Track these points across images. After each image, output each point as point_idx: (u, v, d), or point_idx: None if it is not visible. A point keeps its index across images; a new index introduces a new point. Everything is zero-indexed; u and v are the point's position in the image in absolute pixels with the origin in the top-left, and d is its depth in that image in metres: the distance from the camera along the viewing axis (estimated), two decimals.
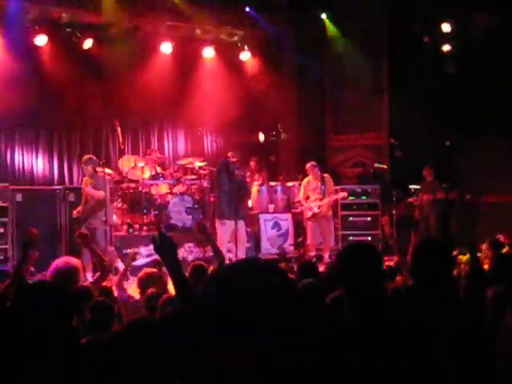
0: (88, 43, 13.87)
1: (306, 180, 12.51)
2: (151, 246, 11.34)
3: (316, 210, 12.14)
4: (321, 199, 12.16)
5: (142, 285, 6.08)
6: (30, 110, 13.94)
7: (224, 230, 10.80)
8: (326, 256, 11.76)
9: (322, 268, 7.60)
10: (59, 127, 14.94)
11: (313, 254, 12.03)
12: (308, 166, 12.41)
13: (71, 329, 3.36)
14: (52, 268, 5.61)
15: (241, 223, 11.00)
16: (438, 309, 3.35)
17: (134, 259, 10.05)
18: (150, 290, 5.63)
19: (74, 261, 5.82)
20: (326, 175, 12.51)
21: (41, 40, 13.49)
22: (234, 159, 11.08)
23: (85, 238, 6.63)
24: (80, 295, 4.94)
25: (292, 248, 13.20)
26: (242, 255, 10.49)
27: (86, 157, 11.43)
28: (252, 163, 14.12)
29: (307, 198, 12.38)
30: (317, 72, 15.58)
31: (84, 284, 5.89)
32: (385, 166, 14.85)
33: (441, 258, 3.55)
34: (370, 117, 15.27)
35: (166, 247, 3.10)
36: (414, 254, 3.75)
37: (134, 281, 6.98)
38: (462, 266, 6.78)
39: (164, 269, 6.77)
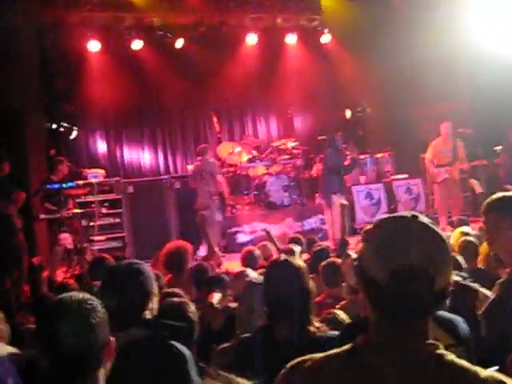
0: (179, 43, 14.71)
1: (435, 141, 12.23)
2: (254, 224, 12.30)
3: (447, 175, 11.93)
4: (450, 164, 11.91)
5: (246, 262, 6.39)
6: (132, 110, 15.12)
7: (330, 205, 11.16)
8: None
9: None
10: (161, 123, 15.96)
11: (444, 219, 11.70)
12: (444, 125, 12.09)
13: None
14: (165, 249, 6.03)
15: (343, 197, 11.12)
16: None
17: None
18: None
19: (185, 243, 6.20)
20: (459, 140, 12.23)
21: (137, 44, 14.40)
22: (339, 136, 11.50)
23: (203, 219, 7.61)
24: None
25: None
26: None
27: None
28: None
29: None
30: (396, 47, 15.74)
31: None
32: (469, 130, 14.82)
33: None
34: (449, 85, 14.77)
35: None
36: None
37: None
38: None
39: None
